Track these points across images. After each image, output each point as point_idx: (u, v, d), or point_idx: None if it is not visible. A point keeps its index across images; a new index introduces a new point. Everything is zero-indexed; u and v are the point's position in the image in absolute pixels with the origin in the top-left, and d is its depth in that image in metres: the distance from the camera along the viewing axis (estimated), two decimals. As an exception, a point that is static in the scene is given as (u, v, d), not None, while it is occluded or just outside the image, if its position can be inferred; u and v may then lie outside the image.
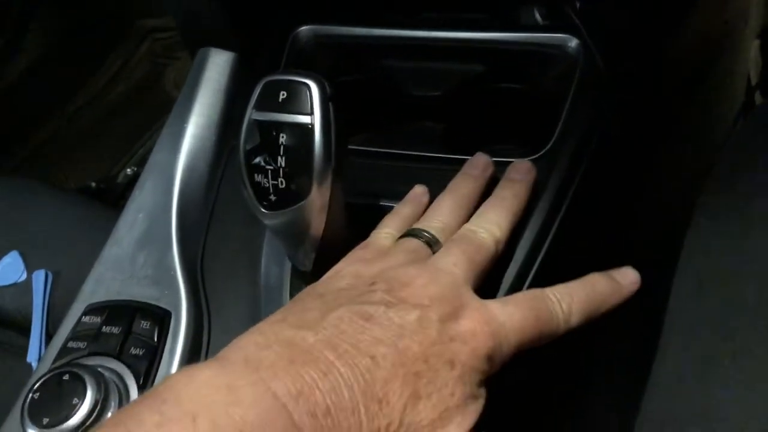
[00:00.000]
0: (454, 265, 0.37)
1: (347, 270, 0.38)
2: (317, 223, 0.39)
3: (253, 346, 0.31)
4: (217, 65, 0.57)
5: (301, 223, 0.39)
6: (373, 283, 0.35)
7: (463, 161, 0.49)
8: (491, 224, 0.40)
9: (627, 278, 0.39)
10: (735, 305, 0.38)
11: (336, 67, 0.59)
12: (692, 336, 0.39)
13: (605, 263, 0.41)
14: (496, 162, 0.48)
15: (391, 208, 0.47)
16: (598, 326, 0.38)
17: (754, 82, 0.84)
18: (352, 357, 0.30)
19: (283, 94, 0.37)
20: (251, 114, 0.38)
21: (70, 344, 0.45)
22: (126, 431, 0.25)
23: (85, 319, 0.47)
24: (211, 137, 0.54)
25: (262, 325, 0.33)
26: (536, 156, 0.48)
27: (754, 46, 0.83)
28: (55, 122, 1.32)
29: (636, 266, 0.40)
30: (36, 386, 0.41)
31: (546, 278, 0.44)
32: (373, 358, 0.30)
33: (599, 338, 0.47)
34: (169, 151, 0.54)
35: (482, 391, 0.33)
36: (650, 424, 0.39)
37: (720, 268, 0.41)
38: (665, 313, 0.42)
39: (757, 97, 0.85)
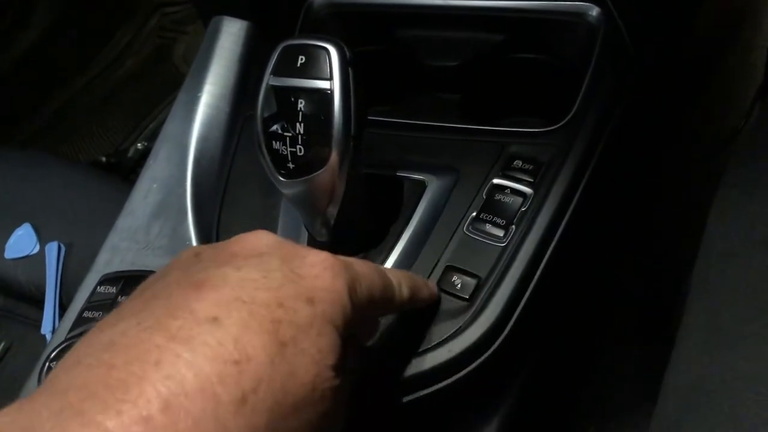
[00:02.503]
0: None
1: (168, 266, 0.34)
2: (336, 191, 0.38)
3: (63, 368, 0.26)
4: (231, 34, 0.56)
5: (320, 192, 0.38)
6: (197, 254, 0.32)
7: (482, 132, 0.48)
8: (402, 279, 0.37)
9: (433, 284, 0.41)
10: (762, 276, 0.38)
11: (351, 38, 0.58)
12: (718, 307, 0.39)
13: (626, 233, 0.40)
14: (515, 132, 0.47)
15: (408, 178, 0.47)
16: (618, 303, 0.38)
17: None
18: (189, 329, 0.26)
19: (302, 59, 0.36)
20: (269, 80, 0.37)
21: (86, 314, 0.45)
22: None
23: (101, 289, 0.46)
24: (226, 107, 0.54)
25: (77, 344, 0.28)
26: (556, 127, 0.47)
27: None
28: (63, 97, 1.31)
29: (658, 238, 0.39)
30: (53, 355, 0.41)
31: (568, 247, 0.43)
32: (215, 320, 0.26)
33: (617, 314, 0.46)
34: (183, 120, 0.53)
35: (351, 336, 0.31)
36: (676, 392, 0.38)
37: (746, 239, 0.40)
38: (693, 282, 0.41)
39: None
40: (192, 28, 1.39)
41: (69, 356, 0.27)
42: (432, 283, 0.41)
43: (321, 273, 0.30)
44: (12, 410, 0.24)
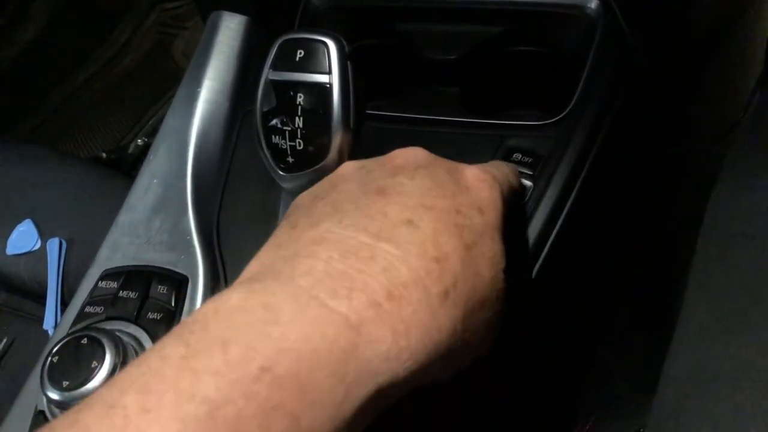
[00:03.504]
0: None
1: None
2: (335, 185, 0.38)
3: (279, 261, 0.27)
4: (230, 29, 0.56)
5: (320, 186, 0.39)
6: (362, 167, 0.33)
7: (481, 125, 0.48)
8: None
9: None
10: (762, 265, 0.38)
11: (350, 31, 0.58)
12: (719, 295, 0.39)
13: (626, 225, 0.40)
14: (514, 125, 0.47)
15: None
16: (617, 295, 0.38)
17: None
18: (389, 229, 0.28)
19: (301, 53, 0.37)
20: (267, 74, 0.37)
21: (88, 309, 0.45)
22: (147, 368, 0.23)
23: (102, 284, 0.47)
24: (225, 102, 0.54)
25: (274, 240, 0.30)
26: (555, 119, 0.47)
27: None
28: (63, 93, 1.31)
29: (658, 230, 0.40)
30: (55, 350, 0.41)
31: (567, 240, 0.43)
32: (409, 222, 0.28)
33: (618, 308, 0.46)
34: (183, 115, 0.53)
35: (503, 237, 0.32)
36: (675, 381, 0.39)
37: (746, 229, 0.40)
38: (691, 273, 0.41)
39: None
40: (192, 24, 1.38)
41: (277, 249, 0.29)
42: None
43: (481, 185, 0.32)
44: (243, 289, 0.26)
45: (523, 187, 0.39)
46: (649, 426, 0.38)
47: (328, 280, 0.26)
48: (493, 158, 0.46)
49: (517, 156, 0.45)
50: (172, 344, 0.24)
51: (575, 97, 0.48)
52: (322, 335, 0.24)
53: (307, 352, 0.23)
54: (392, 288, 0.26)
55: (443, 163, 0.33)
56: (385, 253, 0.27)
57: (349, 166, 0.34)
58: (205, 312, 0.25)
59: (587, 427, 0.47)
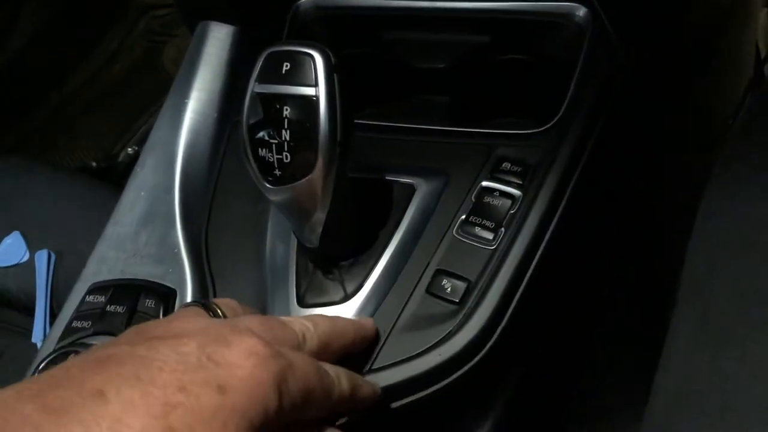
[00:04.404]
0: (248, 326, 0.31)
1: None
2: (324, 198, 0.38)
3: None
4: (218, 39, 0.56)
5: (307, 198, 0.38)
6: (138, 332, 0.31)
7: (470, 134, 0.48)
8: (316, 324, 0.36)
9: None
10: (752, 275, 0.38)
11: (339, 40, 0.58)
12: (708, 306, 0.39)
13: (615, 234, 0.40)
14: (503, 134, 0.47)
15: (396, 182, 0.47)
16: (608, 303, 0.38)
17: (763, 53, 0.83)
18: (71, 400, 0.25)
19: (287, 66, 0.36)
20: (254, 87, 0.37)
21: (75, 323, 0.45)
22: None
23: (89, 298, 0.46)
24: (213, 113, 0.53)
25: None
26: (544, 128, 0.47)
27: (764, 13, 0.81)
28: (52, 101, 1.30)
29: (651, 238, 0.39)
30: (41, 366, 0.40)
31: (558, 249, 0.43)
32: (100, 394, 0.25)
33: (609, 315, 0.46)
34: (170, 127, 0.53)
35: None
36: (666, 393, 0.38)
37: (733, 240, 0.40)
38: (681, 283, 0.41)
39: (767, 69, 0.83)
40: (182, 31, 1.38)
41: None
42: (374, 381, 0.39)
43: (242, 362, 0.28)
44: None
45: (330, 385, 0.33)
46: (640, 435, 0.38)
47: None
48: (482, 168, 0.46)
49: (507, 165, 0.45)
50: None
51: (564, 106, 0.48)
52: None
53: None
54: None
55: (206, 335, 0.29)
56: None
57: (133, 327, 0.32)
58: None
59: (579, 438, 0.47)
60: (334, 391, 0.33)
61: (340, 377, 0.34)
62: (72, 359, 0.30)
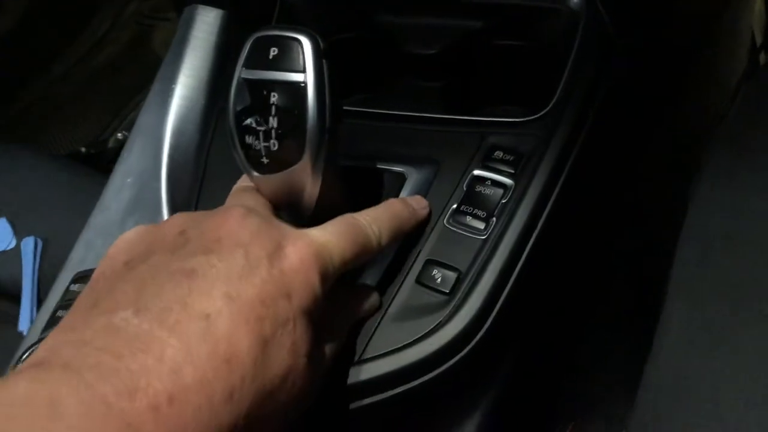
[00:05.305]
0: (321, 233, 0.35)
1: (143, 228, 0.35)
2: (312, 186, 0.38)
3: (70, 346, 0.27)
4: (206, 23, 0.55)
5: (296, 187, 0.38)
6: (181, 232, 0.33)
7: (462, 122, 0.47)
8: (380, 222, 0.39)
9: (420, 204, 0.43)
10: (743, 268, 0.37)
11: (328, 24, 0.57)
12: (700, 301, 0.38)
13: (606, 225, 0.40)
14: (496, 122, 0.47)
15: (387, 170, 0.46)
16: (598, 296, 0.38)
17: (758, 41, 0.82)
18: (186, 325, 0.28)
19: (274, 51, 0.35)
20: (240, 72, 0.36)
21: (59, 313, 0.44)
22: None
23: (74, 287, 0.46)
24: (201, 98, 0.52)
25: (71, 317, 0.30)
26: (538, 116, 0.46)
27: (759, 1, 0.81)
28: (41, 85, 1.29)
29: (639, 228, 0.39)
30: (24, 356, 0.40)
31: (549, 239, 0.43)
32: (207, 317, 0.28)
33: (599, 307, 0.46)
34: (157, 113, 0.52)
35: (315, 318, 0.33)
36: (656, 388, 0.38)
37: (726, 231, 0.40)
38: (671, 276, 0.41)
39: (762, 58, 0.83)
40: (172, 15, 1.36)
41: (72, 331, 0.28)
42: (416, 200, 0.43)
43: (299, 267, 0.32)
44: (30, 378, 0.25)
45: (367, 245, 0.37)
46: (629, 429, 0.37)
47: (115, 378, 0.26)
48: (474, 156, 0.45)
49: (499, 154, 0.45)
50: None
51: (557, 93, 0.47)
52: None
53: None
54: (175, 391, 0.26)
55: (266, 242, 0.32)
56: (174, 352, 0.27)
57: (169, 227, 0.34)
58: None
59: (568, 430, 0.47)
60: (372, 247, 0.38)
61: (381, 232, 0.38)
62: (146, 263, 0.31)
